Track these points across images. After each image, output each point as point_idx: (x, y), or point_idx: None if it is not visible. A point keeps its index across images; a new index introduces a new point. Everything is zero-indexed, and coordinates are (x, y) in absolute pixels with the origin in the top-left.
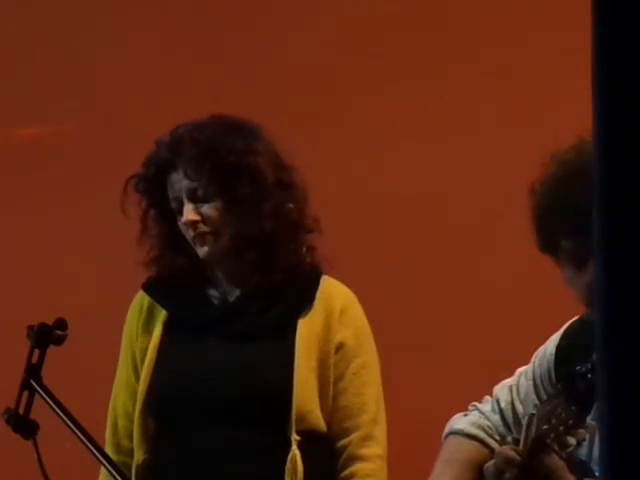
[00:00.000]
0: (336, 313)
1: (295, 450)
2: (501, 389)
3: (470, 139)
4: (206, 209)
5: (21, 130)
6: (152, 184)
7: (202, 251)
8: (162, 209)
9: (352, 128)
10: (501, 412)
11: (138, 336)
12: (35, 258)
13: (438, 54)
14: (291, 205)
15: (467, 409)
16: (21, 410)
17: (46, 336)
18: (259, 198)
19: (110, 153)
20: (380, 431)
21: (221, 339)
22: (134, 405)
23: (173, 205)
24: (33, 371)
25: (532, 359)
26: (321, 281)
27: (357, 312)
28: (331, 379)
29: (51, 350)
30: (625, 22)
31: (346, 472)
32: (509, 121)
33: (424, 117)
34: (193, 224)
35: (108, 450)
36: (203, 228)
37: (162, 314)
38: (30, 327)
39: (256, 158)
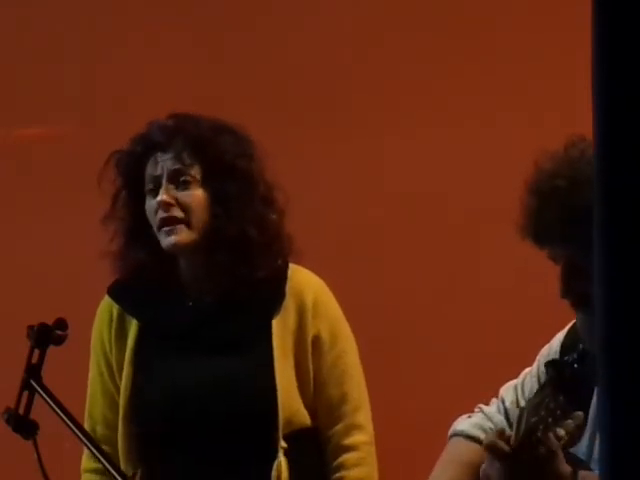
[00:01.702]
0: (308, 307)
1: (281, 458)
2: (507, 389)
3: (470, 138)
4: (184, 195)
5: (21, 130)
6: (134, 163)
7: (168, 241)
8: (135, 193)
9: (351, 128)
10: (506, 412)
11: (112, 347)
12: (35, 258)
13: (439, 53)
14: (275, 217)
15: (464, 407)
16: (21, 410)
17: (46, 336)
18: (247, 201)
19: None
20: (364, 417)
21: (198, 351)
22: (114, 413)
23: (148, 186)
24: (33, 371)
25: (537, 357)
26: (289, 273)
27: (328, 302)
28: (311, 373)
29: (51, 350)
30: (625, 22)
31: (334, 464)
32: (509, 121)
33: (423, 116)
34: (166, 205)
35: (88, 458)
36: (175, 212)
37: (134, 324)
38: (30, 327)
39: (252, 165)
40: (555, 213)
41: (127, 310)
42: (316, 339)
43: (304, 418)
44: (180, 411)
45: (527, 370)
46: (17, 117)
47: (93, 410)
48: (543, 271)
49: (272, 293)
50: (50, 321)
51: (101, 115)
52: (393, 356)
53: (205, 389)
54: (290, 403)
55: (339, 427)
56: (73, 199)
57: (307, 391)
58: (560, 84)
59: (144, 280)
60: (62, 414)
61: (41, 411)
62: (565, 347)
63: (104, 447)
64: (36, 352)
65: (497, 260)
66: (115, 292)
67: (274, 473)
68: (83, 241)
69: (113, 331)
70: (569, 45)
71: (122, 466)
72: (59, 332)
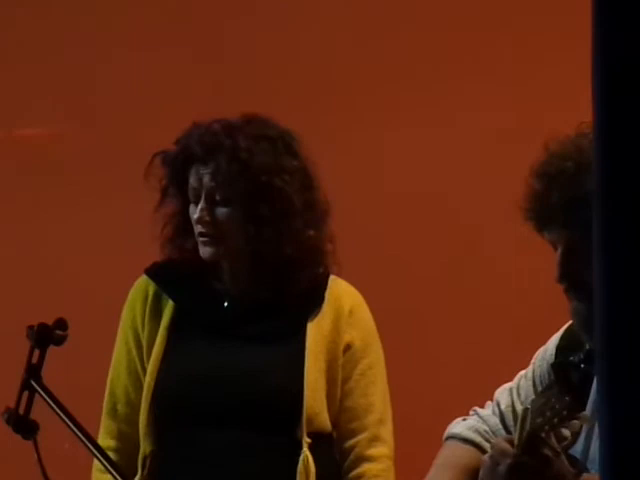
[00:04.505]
0: (344, 315)
1: (307, 452)
2: (501, 392)
3: (470, 137)
4: (220, 213)
5: (21, 130)
6: (179, 166)
7: (204, 251)
8: (182, 190)
9: (352, 126)
10: (501, 415)
11: (145, 324)
12: (35, 258)
13: (440, 53)
14: (312, 232)
15: (469, 410)
16: (21, 410)
17: (46, 336)
18: (282, 222)
19: (110, 154)
20: (387, 431)
21: (231, 340)
22: (137, 392)
23: (190, 193)
24: (33, 371)
25: (532, 360)
26: (329, 282)
27: (365, 313)
28: (339, 380)
29: (51, 350)
30: (625, 22)
31: (354, 473)
32: (509, 120)
33: (423, 116)
34: (200, 222)
35: (105, 435)
36: (208, 229)
37: (169, 304)
38: (30, 327)
39: (287, 180)
40: (560, 195)
41: (164, 289)
42: (348, 347)
43: (325, 423)
44: (202, 397)
45: (522, 373)
46: (17, 117)
47: (116, 388)
48: (544, 273)
49: (311, 298)
50: (51, 321)
51: (101, 115)
52: (392, 358)
53: (230, 378)
54: (314, 402)
55: (362, 437)
56: (73, 199)
57: (334, 397)
58: (561, 84)
59: (186, 267)
60: (62, 414)
61: (41, 411)
62: (560, 349)
63: (123, 426)
64: (36, 352)
65: (499, 261)
66: (153, 272)
67: (301, 467)
68: (83, 241)
69: (148, 309)
70: (569, 45)
71: (141, 445)
72: (59, 332)
